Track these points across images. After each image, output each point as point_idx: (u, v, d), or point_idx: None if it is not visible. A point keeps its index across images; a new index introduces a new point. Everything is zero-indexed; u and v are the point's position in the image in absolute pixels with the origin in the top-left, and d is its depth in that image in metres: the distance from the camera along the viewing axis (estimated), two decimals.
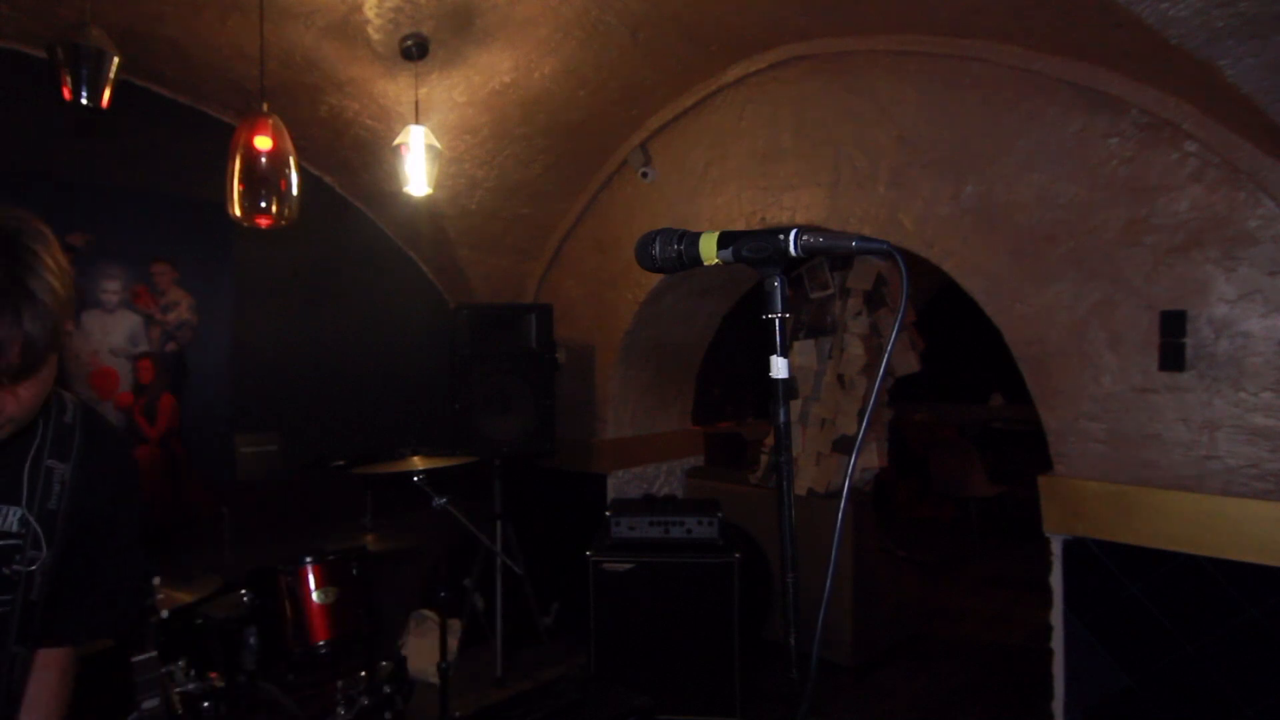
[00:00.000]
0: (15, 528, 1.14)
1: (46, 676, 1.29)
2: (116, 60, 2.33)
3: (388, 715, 1.39)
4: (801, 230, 0.95)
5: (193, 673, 2.52)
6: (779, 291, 0.98)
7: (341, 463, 3.82)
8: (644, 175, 3.94)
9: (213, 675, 2.56)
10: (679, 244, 1.04)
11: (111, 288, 3.34)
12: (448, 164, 3.70)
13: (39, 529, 1.15)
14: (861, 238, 0.92)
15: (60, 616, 1.26)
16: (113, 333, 3.36)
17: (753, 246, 0.98)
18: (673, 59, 3.39)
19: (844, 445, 4.30)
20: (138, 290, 3.42)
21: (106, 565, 1.32)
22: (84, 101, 2.28)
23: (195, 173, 3.40)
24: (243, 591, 2.75)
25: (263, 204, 2.56)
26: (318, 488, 3.90)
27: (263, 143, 2.52)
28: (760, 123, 3.48)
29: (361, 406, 4.22)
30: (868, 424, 1.11)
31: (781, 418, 0.98)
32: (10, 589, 1.13)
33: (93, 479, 1.24)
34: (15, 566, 1.13)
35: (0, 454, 1.15)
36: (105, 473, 1.27)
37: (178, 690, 2.43)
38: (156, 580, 2.12)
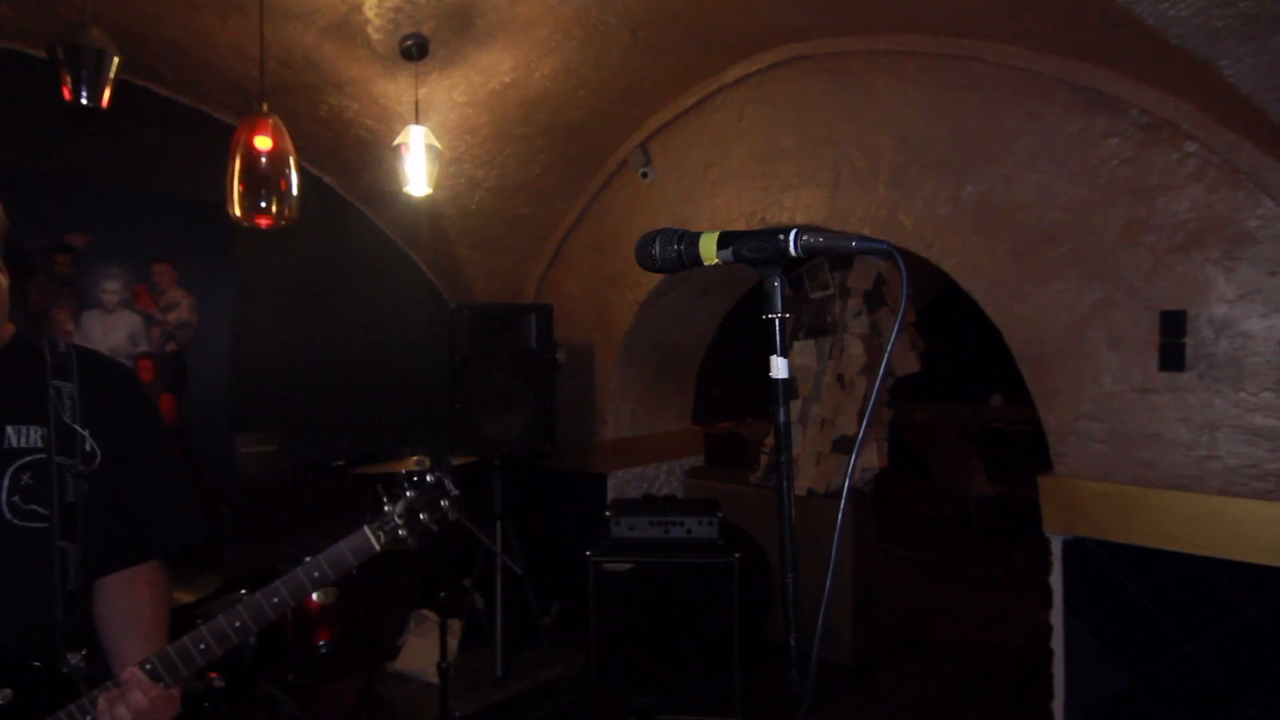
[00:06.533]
0: (39, 443, 1.27)
1: (136, 592, 1.38)
2: (116, 60, 2.33)
3: (444, 503, 1.21)
4: (801, 230, 0.95)
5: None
6: (779, 291, 0.98)
7: (342, 463, 3.83)
8: (644, 175, 3.94)
9: (213, 675, 2.55)
10: (679, 244, 1.04)
11: (111, 288, 3.34)
12: (448, 164, 3.70)
13: (58, 439, 1.28)
14: (861, 238, 0.92)
15: (128, 534, 1.37)
16: (112, 333, 3.35)
17: (753, 246, 0.98)
18: (673, 59, 3.39)
19: (844, 445, 4.31)
20: (138, 290, 3.42)
21: (152, 474, 1.42)
22: (84, 101, 2.28)
23: (195, 173, 3.40)
24: (243, 591, 2.75)
25: (263, 204, 2.55)
26: (318, 488, 3.90)
27: (263, 143, 2.51)
28: (760, 123, 3.48)
29: (361, 406, 4.22)
30: (868, 424, 1.11)
31: (781, 418, 0.98)
32: (44, 496, 1.25)
33: (99, 391, 1.35)
34: (43, 476, 1.25)
35: (19, 376, 1.30)
36: (109, 383, 1.39)
37: None
38: None
